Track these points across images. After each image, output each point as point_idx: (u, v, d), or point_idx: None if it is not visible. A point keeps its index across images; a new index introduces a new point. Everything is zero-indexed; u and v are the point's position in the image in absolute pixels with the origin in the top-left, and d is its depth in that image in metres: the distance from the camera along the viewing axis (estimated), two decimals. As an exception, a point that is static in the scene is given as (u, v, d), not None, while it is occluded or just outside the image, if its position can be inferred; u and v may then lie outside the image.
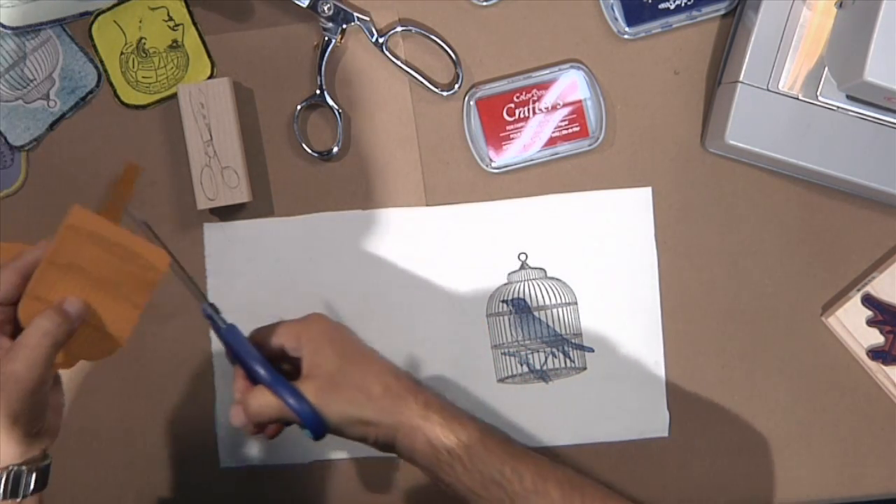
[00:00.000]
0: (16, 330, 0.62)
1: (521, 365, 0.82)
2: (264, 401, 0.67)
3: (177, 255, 0.81)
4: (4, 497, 0.61)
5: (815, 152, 0.76)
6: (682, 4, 0.80)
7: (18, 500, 0.62)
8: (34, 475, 0.62)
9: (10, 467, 0.61)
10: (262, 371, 0.67)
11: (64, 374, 0.68)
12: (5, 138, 0.82)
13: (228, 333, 0.68)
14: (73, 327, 0.62)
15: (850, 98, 0.75)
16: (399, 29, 0.81)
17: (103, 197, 0.81)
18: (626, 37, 0.81)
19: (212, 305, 0.69)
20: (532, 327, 0.82)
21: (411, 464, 0.70)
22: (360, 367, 0.69)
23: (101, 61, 0.82)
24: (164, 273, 0.65)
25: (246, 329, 0.71)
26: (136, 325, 0.64)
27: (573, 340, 0.82)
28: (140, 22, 0.81)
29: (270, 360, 0.70)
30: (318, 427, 0.68)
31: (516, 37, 0.82)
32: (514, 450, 0.70)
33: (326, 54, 0.80)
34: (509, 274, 0.82)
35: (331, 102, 0.81)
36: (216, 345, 0.82)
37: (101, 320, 0.64)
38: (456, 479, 0.68)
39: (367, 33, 0.81)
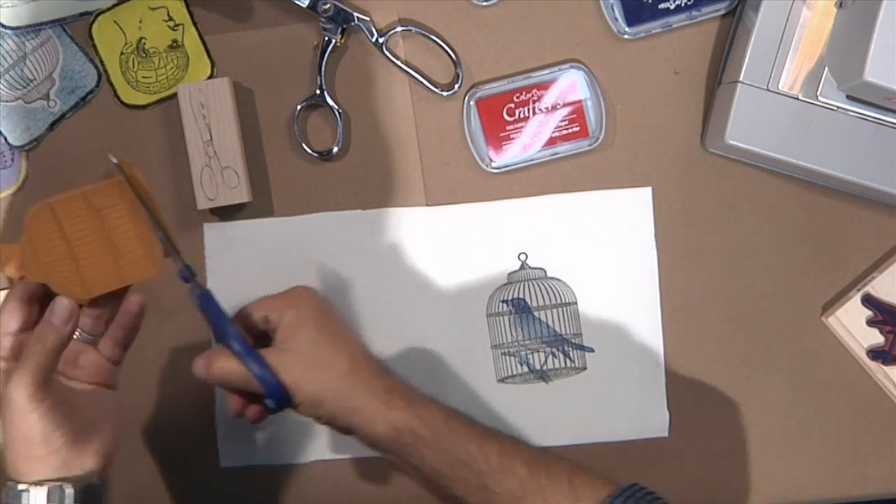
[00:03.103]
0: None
1: (521, 365, 0.82)
2: (228, 366, 0.67)
3: (177, 255, 0.82)
4: None
5: (815, 152, 0.76)
6: (682, 4, 0.80)
7: None
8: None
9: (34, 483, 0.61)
10: (232, 340, 0.67)
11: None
12: (5, 138, 0.82)
13: (202, 298, 0.68)
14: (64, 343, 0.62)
15: (850, 98, 0.75)
16: (399, 29, 0.81)
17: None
18: (626, 37, 0.81)
19: (188, 268, 0.68)
20: (532, 327, 0.82)
21: (373, 449, 0.70)
22: (333, 342, 0.70)
23: (101, 61, 0.82)
24: (158, 275, 0.66)
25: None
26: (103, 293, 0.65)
27: (573, 340, 0.82)
28: (140, 22, 0.81)
29: (255, 334, 0.70)
30: (281, 397, 0.68)
31: (516, 37, 0.82)
32: (479, 429, 0.70)
33: (326, 54, 0.80)
34: (509, 274, 0.82)
35: (331, 102, 0.81)
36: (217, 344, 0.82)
37: (85, 268, 0.65)
38: (421, 461, 0.68)
39: (367, 33, 0.81)
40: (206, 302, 0.68)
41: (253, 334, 0.71)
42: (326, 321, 0.71)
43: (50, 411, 0.60)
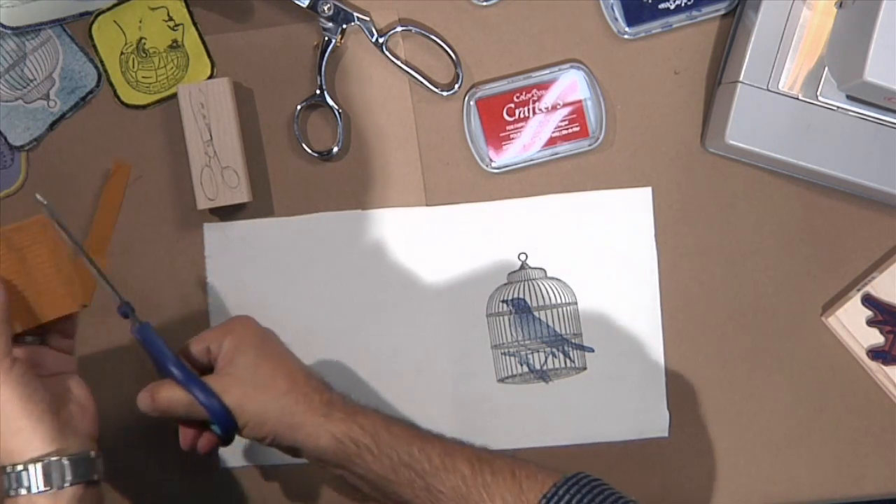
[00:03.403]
0: None
1: (521, 365, 0.82)
2: (172, 395, 0.68)
3: (177, 254, 0.82)
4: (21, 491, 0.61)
5: (815, 152, 0.76)
6: (682, 4, 0.80)
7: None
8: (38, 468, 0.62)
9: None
10: (172, 367, 0.69)
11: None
12: (5, 138, 0.82)
13: (141, 332, 0.69)
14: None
15: (850, 98, 0.75)
16: (399, 29, 0.81)
17: (97, 196, 0.81)
18: (626, 37, 0.81)
19: (128, 304, 0.70)
20: (532, 327, 0.82)
21: (320, 465, 0.71)
22: (272, 364, 0.71)
23: (101, 61, 0.82)
24: (77, 311, 0.68)
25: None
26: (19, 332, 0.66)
27: (573, 340, 0.82)
28: (140, 22, 0.81)
29: (198, 368, 0.71)
30: (227, 423, 0.69)
31: (516, 37, 0.82)
32: (421, 433, 0.71)
33: (326, 54, 0.80)
34: (509, 274, 0.82)
35: (331, 102, 0.81)
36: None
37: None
38: (366, 469, 0.69)
39: (367, 33, 0.81)
40: (145, 335, 0.69)
41: (196, 368, 0.72)
42: (264, 345, 0.72)
43: (21, 377, 0.62)
